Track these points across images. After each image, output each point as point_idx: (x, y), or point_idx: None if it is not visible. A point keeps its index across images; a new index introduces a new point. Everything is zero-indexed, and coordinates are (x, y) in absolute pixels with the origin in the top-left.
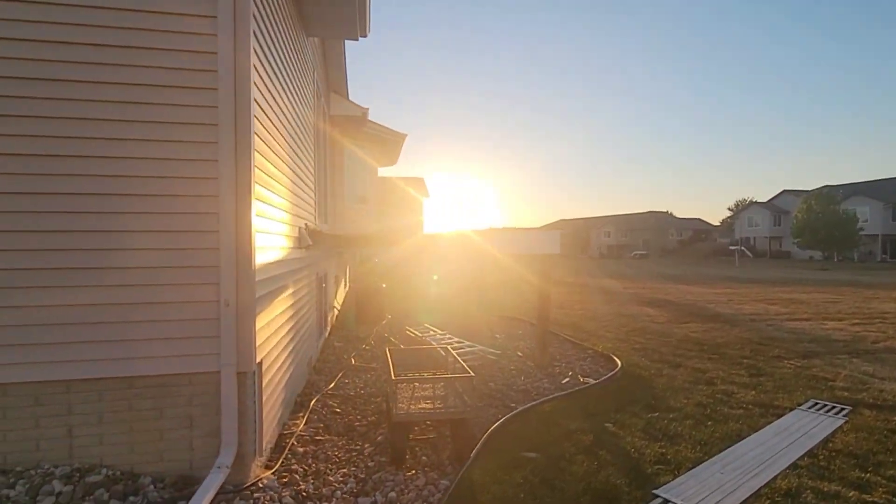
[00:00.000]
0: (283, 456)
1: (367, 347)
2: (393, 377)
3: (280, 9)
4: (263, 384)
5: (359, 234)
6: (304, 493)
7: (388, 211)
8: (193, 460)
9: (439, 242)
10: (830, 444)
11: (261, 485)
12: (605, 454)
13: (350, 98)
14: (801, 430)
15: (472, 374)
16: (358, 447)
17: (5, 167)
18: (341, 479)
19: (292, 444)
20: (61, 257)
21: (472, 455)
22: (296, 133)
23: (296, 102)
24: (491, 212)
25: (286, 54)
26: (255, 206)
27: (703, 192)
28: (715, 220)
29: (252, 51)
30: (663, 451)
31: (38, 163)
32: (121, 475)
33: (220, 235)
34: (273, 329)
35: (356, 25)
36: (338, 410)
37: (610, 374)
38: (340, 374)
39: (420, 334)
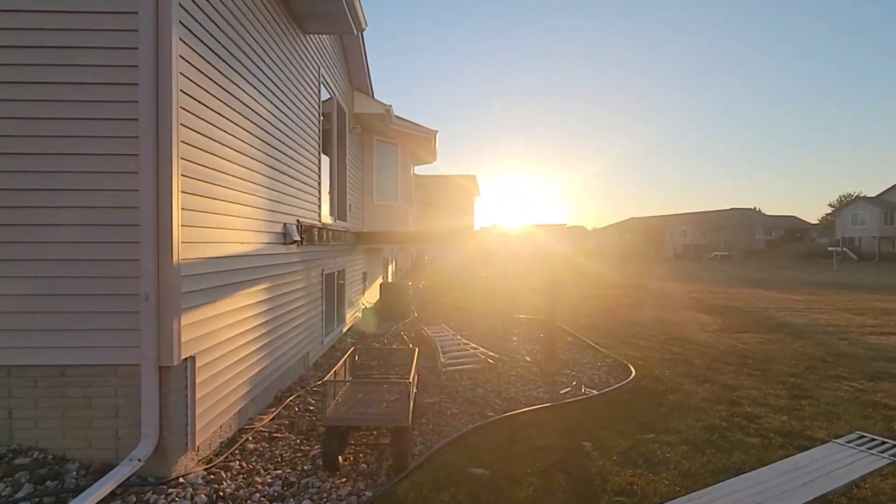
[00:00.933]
0: (230, 452)
1: (378, 345)
2: (333, 377)
3: (233, 6)
4: (200, 379)
5: (385, 231)
6: (221, 493)
7: (433, 208)
8: (119, 450)
9: (497, 240)
10: (856, 490)
11: (182, 480)
12: (563, 478)
13: (381, 97)
14: (824, 469)
15: (409, 381)
16: (307, 448)
17: None
18: (270, 480)
19: (246, 440)
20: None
21: (408, 467)
22: (280, 129)
23: (279, 99)
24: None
25: (257, 52)
26: (183, 201)
27: (797, 187)
28: (812, 218)
29: (175, 50)
30: (633, 480)
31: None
32: (52, 459)
33: (140, 230)
34: (223, 324)
35: (348, 20)
36: (311, 408)
37: (616, 386)
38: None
39: (431, 335)
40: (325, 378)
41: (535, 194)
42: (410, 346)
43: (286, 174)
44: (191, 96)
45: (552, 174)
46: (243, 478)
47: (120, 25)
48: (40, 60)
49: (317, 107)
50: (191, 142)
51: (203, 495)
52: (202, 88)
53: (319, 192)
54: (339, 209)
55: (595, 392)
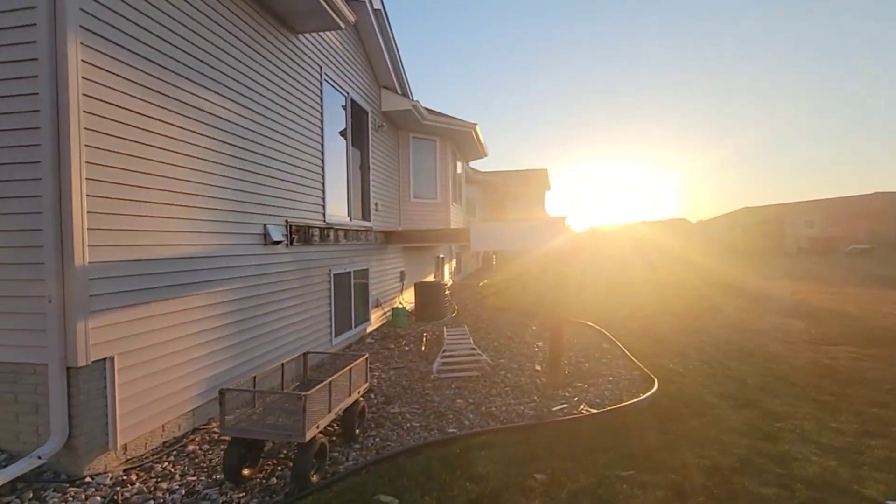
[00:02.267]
0: (167, 452)
1: (394, 346)
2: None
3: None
4: (123, 380)
5: (417, 230)
6: (119, 497)
7: (493, 204)
8: (40, 444)
9: (581, 237)
10: None
11: (89, 479)
12: None
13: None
14: None
15: (304, 394)
16: None
17: None
18: (175, 488)
19: (190, 441)
20: None
21: (308, 487)
22: (257, 132)
23: (253, 101)
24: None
25: (214, 54)
26: (92, 205)
27: None
28: None
29: (76, 55)
30: None
31: None
32: None
33: (43, 234)
34: (159, 325)
35: (331, 16)
36: None
37: (620, 405)
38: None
39: (447, 337)
40: (228, 388)
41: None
42: (423, 348)
43: (268, 176)
44: (103, 101)
45: (652, 167)
46: (155, 482)
47: (21, 38)
48: None
49: (318, 107)
50: (101, 146)
51: (98, 497)
52: (122, 93)
53: (324, 192)
54: (359, 209)
55: (591, 411)
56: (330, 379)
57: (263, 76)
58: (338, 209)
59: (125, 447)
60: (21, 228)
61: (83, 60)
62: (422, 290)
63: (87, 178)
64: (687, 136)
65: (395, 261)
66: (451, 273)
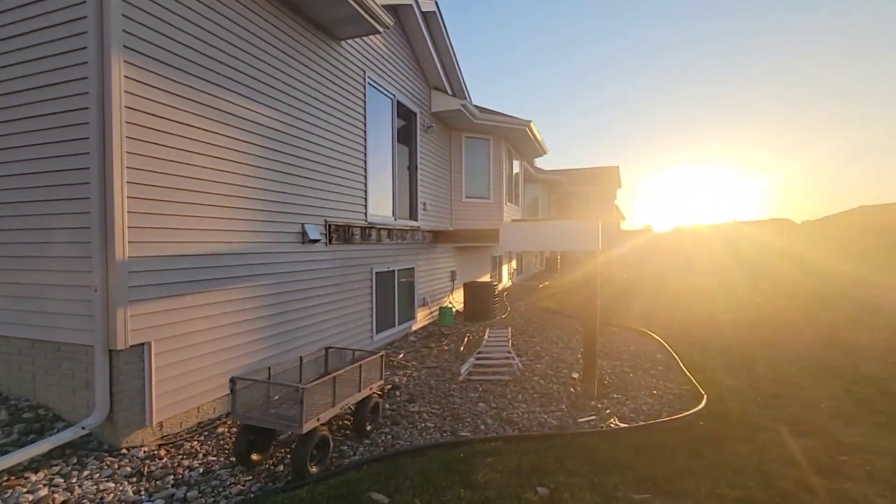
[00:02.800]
0: (199, 432)
1: (434, 345)
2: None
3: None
4: (159, 364)
5: (467, 230)
6: (145, 470)
7: (558, 204)
8: (90, 417)
9: (661, 239)
10: None
11: (125, 451)
12: None
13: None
14: None
15: (303, 386)
16: None
17: None
18: (196, 465)
19: (222, 423)
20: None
21: (305, 477)
22: (296, 136)
23: (293, 107)
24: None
25: (254, 65)
26: (134, 206)
27: None
28: None
29: (119, 71)
30: None
31: None
32: (51, 417)
33: (91, 232)
34: (194, 316)
35: (368, 21)
36: None
37: (652, 422)
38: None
39: (487, 338)
40: (233, 377)
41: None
42: (462, 348)
43: (307, 178)
44: (143, 111)
45: (742, 168)
46: (180, 459)
47: (72, 61)
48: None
49: (360, 110)
50: (141, 153)
51: (129, 468)
52: (161, 104)
53: (366, 192)
54: (405, 208)
55: (620, 426)
56: (334, 374)
57: (303, 82)
58: (381, 209)
59: (161, 424)
60: (73, 227)
61: (126, 76)
62: (471, 290)
63: (128, 182)
64: (783, 134)
65: (446, 260)
66: (509, 274)
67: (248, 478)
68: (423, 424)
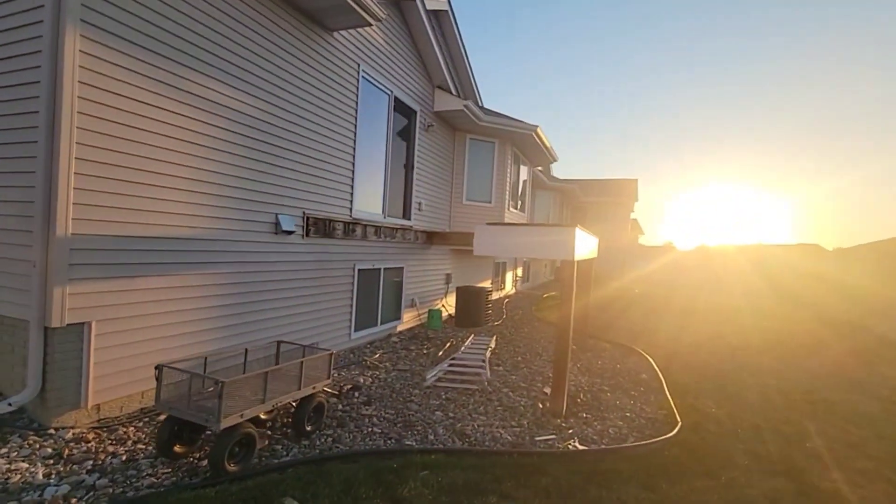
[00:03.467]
0: (137, 419)
1: (415, 348)
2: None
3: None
4: (99, 346)
5: (460, 233)
6: (65, 453)
7: (570, 214)
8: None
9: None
10: None
11: (52, 431)
12: None
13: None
14: None
15: (223, 380)
16: None
17: None
18: (120, 453)
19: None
20: None
21: (220, 476)
22: (275, 125)
23: (273, 95)
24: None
25: (228, 48)
26: (77, 181)
27: None
28: None
29: (74, 45)
30: None
31: None
32: None
33: (35, 206)
34: (142, 299)
35: (357, 12)
36: None
37: (611, 447)
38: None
39: (466, 344)
40: (159, 364)
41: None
42: (440, 353)
43: (285, 168)
44: (98, 87)
45: (762, 190)
46: (106, 445)
47: (25, 35)
48: None
49: (352, 104)
50: (92, 129)
51: (49, 449)
52: (118, 80)
53: (352, 187)
54: (398, 206)
55: (582, 447)
56: (267, 369)
57: (287, 70)
58: (370, 205)
59: (98, 407)
60: (17, 200)
61: (81, 51)
62: (463, 295)
63: (76, 158)
64: (813, 158)
65: (441, 262)
66: (514, 281)
67: (166, 470)
68: (370, 429)
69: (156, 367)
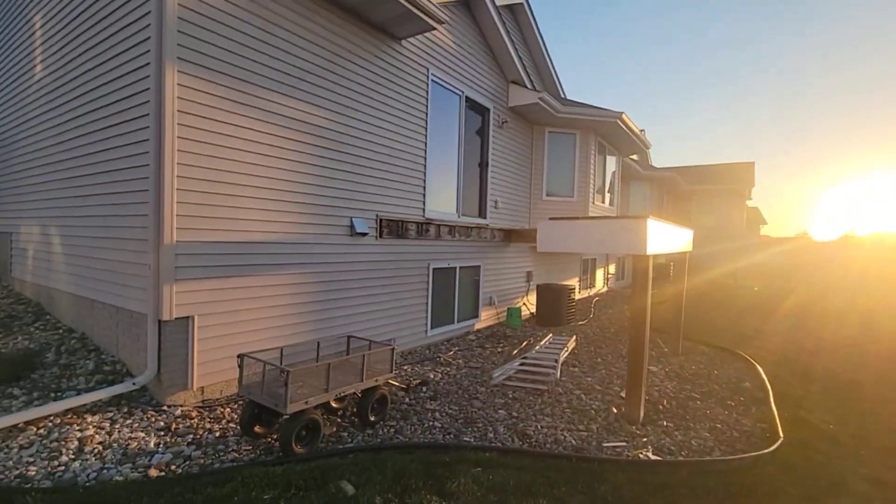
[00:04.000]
0: (234, 402)
1: (490, 346)
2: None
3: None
4: (202, 336)
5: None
6: (174, 427)
7: (673, 205)
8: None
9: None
10: None
11: (166, 408)
12: None
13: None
14: None
15: (288, 370)
16: None
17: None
18: (216, 430)
19: None
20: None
21: (289, 456)
22: (351, 135)
23: (347, 107)
24: None
25: (306, 69)
26: (179, 196)
27: None
28: None
29: (173, 80)
30: None
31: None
32: (125, 372)
33: (149, 219)
34: (238, 296)
35: (422, 19)
36: None
37: (690, 459)
38: (421, 364)
39: (542, 344)
40: (245, 354)
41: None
42: (514, 352)
43: (358, 174)
44: (193, 114)
45: None
46: (206, 422)
47: (136, 77)
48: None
49: (422, 107)
50: (190, 150)
51: (161, 423)
52: (210, 107)
53: (424, 189)
54: (474, 205)
55: (651, 457)
56: (329, 361)
57: (357, 82)
58: (443, 205)
59: (202, 389)
60: (136, 214)
61: (178, 84)
62: (543, 293)
63: (178, 176)
64: None
65: (520, 260)
66: (605, 279)
67: (248, 448)
68: (431, 423)
69: (238, 357)
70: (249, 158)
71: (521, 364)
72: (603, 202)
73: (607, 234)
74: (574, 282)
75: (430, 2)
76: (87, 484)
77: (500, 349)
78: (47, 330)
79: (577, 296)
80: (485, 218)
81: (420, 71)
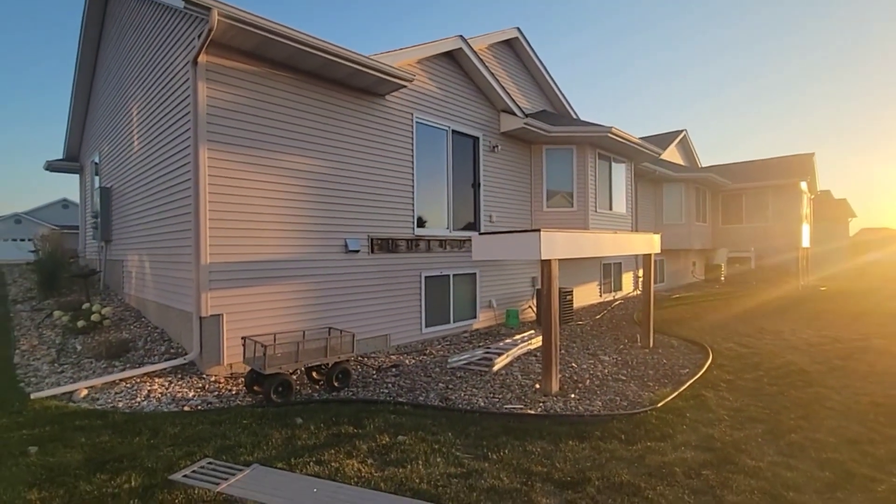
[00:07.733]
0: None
1: (480, 343)
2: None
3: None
4: (229, 328)
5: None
6: (207, 387)
7: (715, 207)
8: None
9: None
10: None
11: (205, 375)
12: None
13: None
14: None
15: (265, 345)
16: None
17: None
18: (233, 389)
19: None
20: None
21: (269, 405)
22: (341, 174)
23: (338, 154)
24: None
25: (304, 131)
26: (213, 231)
27: None
28: None
29: (204, 153)
30: None
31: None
32: (183, 351)
33: (192, 247)
34: (253, 300)
35: (392, 82)
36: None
37: (550, 413)
38: (408, 354)
39: (518, 338)
40: (247, 336)
41: None
42: (481, 344)
43: (350, 204)
44: (219, 175)
45: None
46: (229, 385)
47: (183, 155)
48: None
49: (408, 144)
50: (217, 199)
51: (200, 384)
52: (230, 167)
53: (413, 210)
54: (464, 220)
55: (527, 412)
56: (298, 341)
57: (347, 134)
58: (435, 223)
59: (230, 365)
60: (186, 245)
61: (209, 157)
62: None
63: (209, 218)
64: None
65: (524, 267)
66: (635, 282)
67: (249, 399)
68: (382, 390)
69: (241, 338)
70: (260, 201)
71: (486, 353)
72: (610, 209)
73: (515, 244)
74: (594, 286)
75: (393, 67)
76: (146, 411)
77: (480, 344)
78: (141, 327)
79: (600, 299)
80: (478, 231)
81: (405, 116)
